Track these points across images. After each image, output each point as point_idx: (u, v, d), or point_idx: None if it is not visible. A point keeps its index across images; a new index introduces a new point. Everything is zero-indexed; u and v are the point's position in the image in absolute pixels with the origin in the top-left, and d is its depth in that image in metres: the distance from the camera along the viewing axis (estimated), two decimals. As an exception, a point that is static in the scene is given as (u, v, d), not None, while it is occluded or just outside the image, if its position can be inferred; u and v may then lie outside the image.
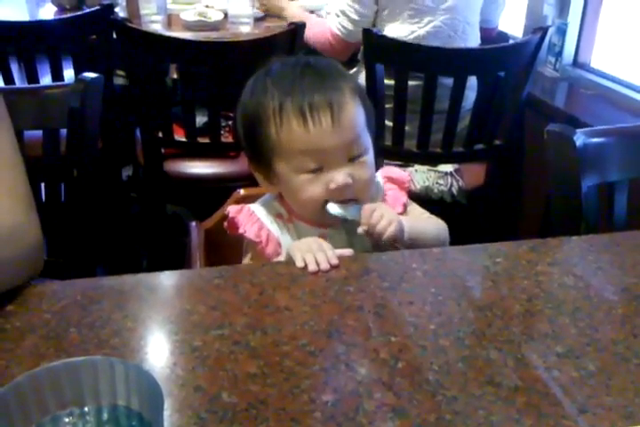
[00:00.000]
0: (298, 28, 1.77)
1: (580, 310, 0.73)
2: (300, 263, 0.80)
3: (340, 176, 0.87)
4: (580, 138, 0.96)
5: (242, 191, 1.13)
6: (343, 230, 0.95)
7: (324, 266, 0.79)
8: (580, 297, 0.75)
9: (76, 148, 1.15)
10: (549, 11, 2.23)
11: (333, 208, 0.89)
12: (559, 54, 2.22)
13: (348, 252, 0.86)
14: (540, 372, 0.63)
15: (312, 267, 0.79)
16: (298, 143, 0.86)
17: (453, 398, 0.59)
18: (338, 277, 0.78)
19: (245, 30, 2.17)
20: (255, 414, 0.56)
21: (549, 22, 2.22)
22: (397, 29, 1.83)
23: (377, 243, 0.90)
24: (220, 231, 1.11)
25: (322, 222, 0.93)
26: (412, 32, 1.82)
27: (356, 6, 1.82)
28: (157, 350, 0.65)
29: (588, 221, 0.99)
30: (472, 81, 1.85)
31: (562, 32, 2.19)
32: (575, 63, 2.22)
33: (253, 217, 0.95)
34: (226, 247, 1.10)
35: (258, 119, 0.88)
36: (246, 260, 0.99)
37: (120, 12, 2.32)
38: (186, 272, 0.83)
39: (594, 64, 2.15)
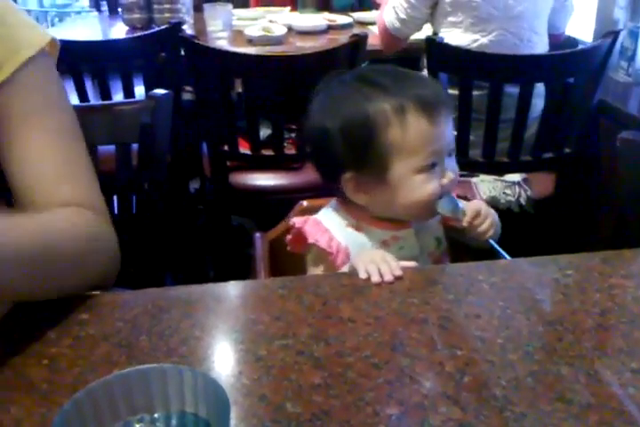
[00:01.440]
0: (360, 40, 1.78)
1: (656, 325, 0.70)
2: (363, 275, 0.79)
3: (449, 171, 0.91)
4: (653, 145, 0.92)
5: (305, 203, 1.14)
6: (413, 231, 0.96)
7: (388, 278, 0.78)
8: (656, 311, 0.72)
9: (146, 161, 1.19)
10: (620, 14, 2.16)
11: (442, 206, 0.91)
12: (632, 59, 2.14)
13: (411, 264, 0.85)
14: (613, 389, 0.61)
15: (375, 278, 0.78)
16: (425, 140, 0.88)
17: (522, 415, 0.58)
18: (401, 288, 0.77)
19: (309, 44, 2.20)
20: (319, 425, 0.56)
21: (621, 26, 2.15)
22: (460, 37, 1.81)
23: (468, 240, 0.94)
24: (284, 242, 1.13)
25: (395, 225, 0.95)
26: (476, 40, 1.80)
27: (407, 6, 1.82)
28: (223, 359, 0.66)
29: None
30: (539, 88, 1.81)
31: (634, 36, 2.12)
32: (650, 67, 2.14)
33: (321, 227, 0.95)
34: (290, 258, 1.11)
35: (373, 126, 0.87)
36: (318, 271, 0.99)
37: (188, 29, 2.40)
38: (250, 282, 0.85)
39: (669, 68, 2.06)
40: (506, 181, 1.86)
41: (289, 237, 0.99)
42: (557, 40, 2.05)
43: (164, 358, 0.64)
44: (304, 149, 1.87)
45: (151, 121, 1.16)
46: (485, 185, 1.85)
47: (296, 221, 0.96)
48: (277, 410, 0.58)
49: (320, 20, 2.44)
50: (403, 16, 1.85)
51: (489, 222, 0.93)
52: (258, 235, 1.14)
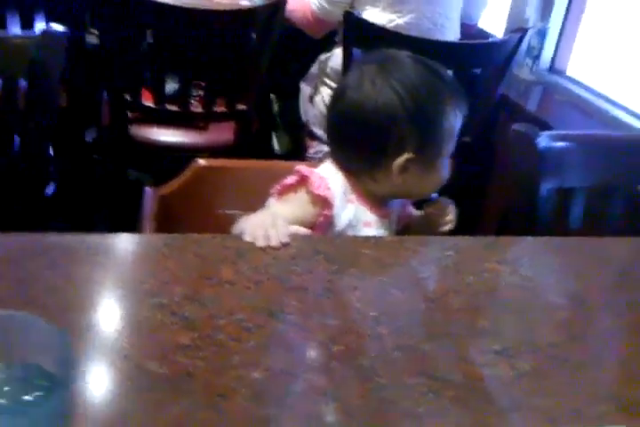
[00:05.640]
0: (279, 4, 1.74)
1: (522, 311, 0.73)
2: (248, 238, 0.78)
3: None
4: (543, 140, 0.96)
5: (201, 161, 1.11)
6: (391, 219, 0.99)
7: (274, 243, 0.77)
8: (523, 297, 0.75)
9: (33, 100, 1.11)
10: (531, 13, 2.24)
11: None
12: (537, 58, 2.23)
13: (303, 230, 0.85)
14: (475, 368, 0.63)
15: (260, 243, 0.77)
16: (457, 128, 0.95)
17: (384, 386, 0.59)
18: (286, 255, 0.77)
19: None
20: (181, 387, 0.55)
21: (530, 25, 2.23)
22: (377, 16, 1.81)
23: (422, 229, 1.01)
24: (176, 199, 1.09)
25: (382, 209, 0.98)
26: (392, 21, 1.80)
27: None
28: (87, 314, 0.63)
29: (544, 224, 1.00)
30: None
31: (542, 36, 2.20)
32: (552, 69, 2.23)
33: (327, 184, 0.93)
34: (181, 215, 1.08)
35: (443, 110, 0.93)
36: (285, 209, 0.93)
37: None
38: (131, 237, 0.81)
39: (570, 71, 2.17)
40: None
41: (288, 180, 0.94)
42: (470, 30, 2.09)
43: (21, 307, 0.60)
44: (211, 107, 1.83)
45: (42, 58, 1.08)
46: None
47: (303, 168, 0.94)
48: (137, 368, 0.56)
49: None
50: None
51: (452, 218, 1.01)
52: (148, 190, 1.09)
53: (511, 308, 0.73)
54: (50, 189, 2.30)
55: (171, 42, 1.76)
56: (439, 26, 1.86)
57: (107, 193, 2.07)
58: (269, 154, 2.28)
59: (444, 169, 0.97)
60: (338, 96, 0.98)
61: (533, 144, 0.95)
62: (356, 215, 0.97)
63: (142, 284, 0.67)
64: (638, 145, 1.07)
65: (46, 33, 1.11)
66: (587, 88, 2.01)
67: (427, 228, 1.03)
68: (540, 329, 0.71)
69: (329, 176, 0.97)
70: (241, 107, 1.86)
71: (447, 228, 1.01)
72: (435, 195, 1.03)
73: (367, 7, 1.84)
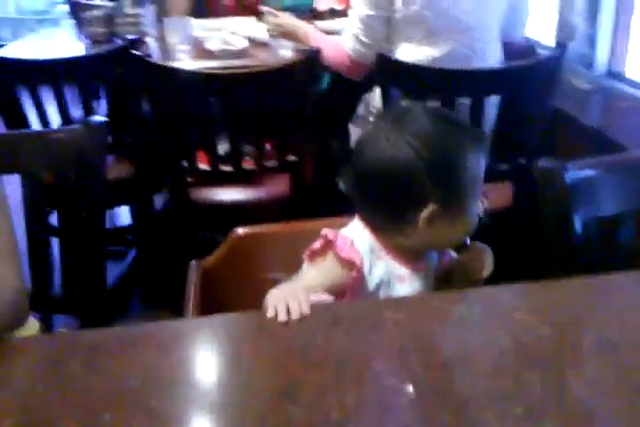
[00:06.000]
0: (314, 55, 1.78)
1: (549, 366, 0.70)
2: (270, 312, 0.80)
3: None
4: (571, 174, 0.93)
5: (239, 230, 1.14)
6: (425, 272, 0.99)
7: (295, 316, 0.79)
8: (552, 350, 0.72)
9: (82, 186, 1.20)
10: (579, 21, 2.17)
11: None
12: (590, 65, 2.15)
13: (325, 297, 0.86)
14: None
15: (281, 317, 0.79)
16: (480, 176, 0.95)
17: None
18: (305, 327, 0.77)
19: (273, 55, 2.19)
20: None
21: (579, 32, 2.16)
22: (413, 51, 1.81)
23: (460, 276, 1.00)
24: (219, 270, 1.13)
25: (414, 262, 0.98)
26: (429, 54, 1.80)
27: (366, 30, 1.81)
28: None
29: (588, 260, 0.96)
30: (493, 98, 1.81)
31: (591, 42, 2.13)
32: (609, 73, 2.14)
33: (353, 246, 0.95)
34: (226, 285, 1.12)
35: (459, 161, 0.92)
36: (316, 275, 0.96)
37: (152, 42, 2.39)
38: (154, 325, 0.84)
39: (628, 74, 2.07)
40: (463, 193, 1.86)
41: (315, 245, 0.97)
42: (514, 48, 2.05)
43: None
44: (262, 163, 1.88)
45: (85, 148, 1.17)
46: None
47: (328, 232, 0.96)
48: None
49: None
50: (365, 40, 1.83)
51: (490, 261, 0.98)
52: (193, 263, 1.14)
53: (537, 364, 0.71)
54: (130, 256, 2.44)
55: (217, 106, 1.84)
56: (478, 52, 1.83)
57: (181, 257, 2.15)
58: (334, 198, 2.30)
59: (473, 214, 0.96)
60: (356, 154, 0.99)
61: (562, 180, 0.92)
62: (387, 271, 0.97)
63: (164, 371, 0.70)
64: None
65: (87, 124, 1.20)
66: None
67: (464, 275, 1.01)
68: (569, 386, 0.68)
69: (355, 236, 0.97)
70: (291, 158, 1.90)
71: (485, 274, 0.98)
72: (468, 240, 1.01)
73: (402, 44, 1.85)
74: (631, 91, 1.98)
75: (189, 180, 1.96)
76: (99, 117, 1.24)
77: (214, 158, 1.86)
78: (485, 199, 1.87)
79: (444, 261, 1.05)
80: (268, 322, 0.79)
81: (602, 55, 2.14)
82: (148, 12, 2.43)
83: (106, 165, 1.26)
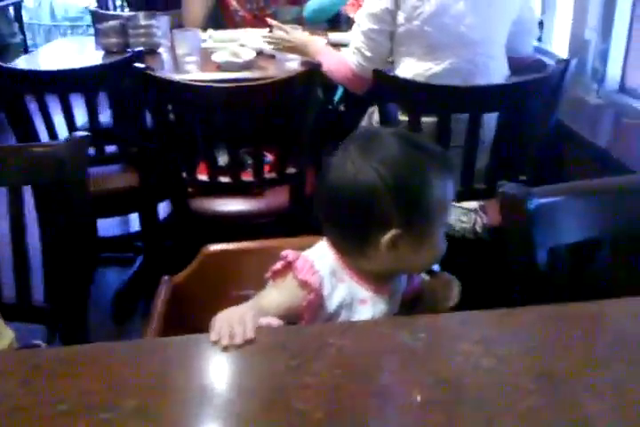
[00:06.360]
0: (314, 69, 1.78)
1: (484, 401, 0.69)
2: (213, 337, 0.80)
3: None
4: (534, 201, 0.90)
5: (209, 247, 1.15)
6: (388, 296, 0.98)
7: (237, 341, 0.79)
8: (491, 383, 0.71)
9: (60, 201, 1.22)
10: (591, 35, 2.13)
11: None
12: (602, 80, 2.11)
13: (275, 322, 0.86)
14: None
15: (224, 341, 0.78)
16: (449, 200, 0.94)
17: None
18: (246, 353, 0.77)
19: (280, 68, 2.20)
20: None
21: (592, 47, 2.12)
22: (414, 66, 1.80)
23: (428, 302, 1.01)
24: (190, 285, 1.14)
25: (379, 285, 0.97)
26: (428, 69, 1.78)
27: (369, 44, 1.80)
28: None
29: (556, 287, 0.93)
30: (493, 114, 1.78)
31: (603, 57, 2.09)
32: (622, 89, 2.10)
33: (313, 268, 0.95)
34: (196, 301, 1.13)
35: (428, 183, 0.91)
36: (279, 294, 0.96)
37: (164, 53, 2.43)
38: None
39: (641, 90, 2.02)
40: (462, 208, 1.84)
41: (277, 266, 0.97)
42: (522, 63, 2.02)
43: None
44: (261, 175, 1.89)
45: (65, 161, 1.19)
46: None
47: (289, 253, 0.97)
48: None
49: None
50: (368, 54, 1.82)
51: (456, 292, 0.99)
52: (165, 278, 1.15)
53: (472, 397, 0.69)
54: (138, 262, 2.47)
55: (217, 118, 1.85)
56: (481, 66, 1.81)
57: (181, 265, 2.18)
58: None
59: (440, 241, 0.95)
60: (322, 175, 0.99)
61: (524, 207, 0.90)
62: (350, 293, 0.96)
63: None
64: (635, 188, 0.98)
65: (69, 139, 1.23)
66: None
67: (431, 301, 1.00)
68: (502, 422, 0.66)
69: (317, 257, 0.97)
70: (291, 170, 1.90)
71: (450, 304, 0.97)
72: (437, 267, 1.00)
73: (404, 58, 1.84)
74: (642, 107, 1.94)
75: (190, 190, 1.98)
76: (81, 132, 1.27)
77: (214, 170, 1.88)
78: (484, 215, 1.87)
79: (413, 285, 1.04)
80: (208, 347, 0.79)
81: (614, 70, 2.10)
82: (161, 24, 2.46)
83: (89, 179, 1.27)
